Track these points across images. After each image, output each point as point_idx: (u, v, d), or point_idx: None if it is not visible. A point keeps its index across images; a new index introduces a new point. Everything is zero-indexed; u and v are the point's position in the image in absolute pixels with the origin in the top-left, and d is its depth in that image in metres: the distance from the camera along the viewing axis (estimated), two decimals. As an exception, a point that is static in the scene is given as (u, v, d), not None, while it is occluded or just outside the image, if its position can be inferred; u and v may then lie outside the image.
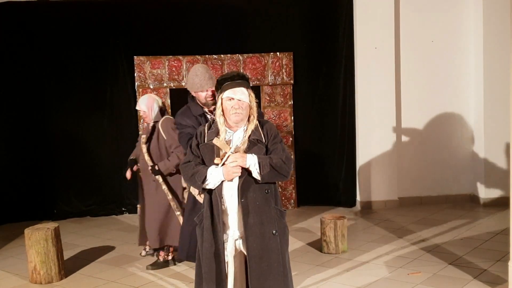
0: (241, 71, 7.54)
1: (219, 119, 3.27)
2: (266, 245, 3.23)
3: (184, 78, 7.60)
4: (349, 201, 7.80)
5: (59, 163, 7.71)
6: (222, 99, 3.26)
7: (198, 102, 4.46)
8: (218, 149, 3.23)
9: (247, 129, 3.28)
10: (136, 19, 7.62)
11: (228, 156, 3.17)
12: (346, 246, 5.72)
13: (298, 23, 7.78)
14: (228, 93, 3.24)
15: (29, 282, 5.13)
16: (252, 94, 3.31)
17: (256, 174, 3.18)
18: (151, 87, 7.62)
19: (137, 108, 5.42)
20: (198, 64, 4.51)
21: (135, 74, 7.61)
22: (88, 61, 7.62)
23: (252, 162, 3.17)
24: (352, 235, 6.24)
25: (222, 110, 3.27)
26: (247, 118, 3.29)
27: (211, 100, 4.36)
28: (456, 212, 7.28)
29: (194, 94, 4.47)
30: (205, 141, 3.30)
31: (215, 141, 3.23)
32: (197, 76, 4.39)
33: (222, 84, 3.28)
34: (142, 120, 7.62)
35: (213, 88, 4.06)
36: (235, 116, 3.22)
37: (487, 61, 7.43)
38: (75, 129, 7.70)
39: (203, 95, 4.40)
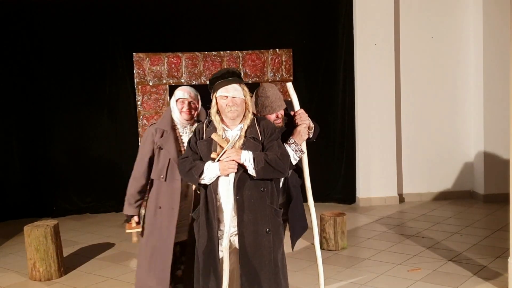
0: (240, 67, 7.55)
1: (215, 118, 3.29)
2: (259, 242, 3.23)
3: (184, 75, 7.59)
4: (349, 198, 7.80)
5: (58, 161, 7.69)
6: (216, 98, 3.28)
7: None
8: (216, 144, 3.25)
9: (243, 126, 3.28)
10: (135, 16, 7.60)
11: (225, 152, 3.19)
12: (345, 243, 5.72)
13: (297, 20, 7.76)
14: (221, 92, 3.25)
15: (28, 279, 5.14)
16: (246, 89, 3.31)
17: (251, 169, 3.19)
18: (150, 84, 7.60)
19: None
20: (267, 83, 4.01)
21: (134, 71, 7.59)
22: (87, 58, 7.59)
23: (246, 157, 3.18)
24: (352, 232, 6.24)
25: (217, 109, 3.28)
26: (243, 114, 3.29)
27: (279, 123, 3.72)
28: (455, 208, 7.28)
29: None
30: (203, 138, 3.31)
31: (214, 135, 3.25)
32: (268, 98, 3.72)
33: (213, 83, 3.30)
34: (141, 117, 7.63)
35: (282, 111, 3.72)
36: (230, 113, 3.24)
37: (487, 57, 7.43)
38: (74, 126, 7.68)
39: (272, 117, 3.69)
